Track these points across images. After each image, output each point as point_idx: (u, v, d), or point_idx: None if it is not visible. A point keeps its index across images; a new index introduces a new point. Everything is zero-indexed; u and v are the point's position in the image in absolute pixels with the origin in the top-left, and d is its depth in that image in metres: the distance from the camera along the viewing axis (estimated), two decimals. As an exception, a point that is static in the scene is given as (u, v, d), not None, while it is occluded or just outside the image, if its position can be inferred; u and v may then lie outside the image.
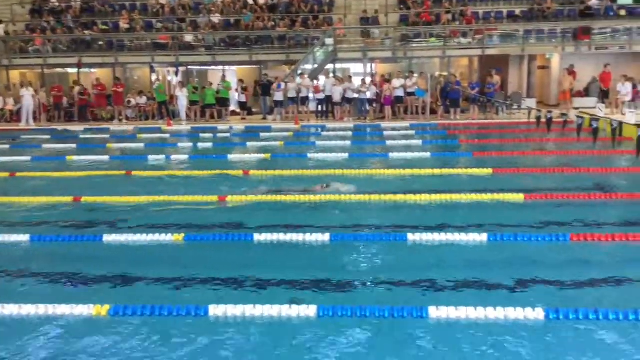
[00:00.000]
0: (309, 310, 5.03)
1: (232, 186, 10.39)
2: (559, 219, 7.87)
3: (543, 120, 15.53)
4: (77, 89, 22.44)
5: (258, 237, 7.23)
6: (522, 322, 4.84)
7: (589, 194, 9.15)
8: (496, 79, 22.07)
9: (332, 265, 6.40)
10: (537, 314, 4.87)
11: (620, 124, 14.85)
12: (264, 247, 7.06)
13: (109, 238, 7.36)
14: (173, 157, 14.16)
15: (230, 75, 24.70)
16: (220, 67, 25.25)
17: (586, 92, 23.56)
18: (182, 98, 21.59)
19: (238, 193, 9.56)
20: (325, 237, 7.15)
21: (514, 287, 5.68)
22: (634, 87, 19.83)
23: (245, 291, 5.73)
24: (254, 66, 24.90)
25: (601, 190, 9.54)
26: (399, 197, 9.17)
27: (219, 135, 18.67)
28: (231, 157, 14.10)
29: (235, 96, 23.14)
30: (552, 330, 4.74)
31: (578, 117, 14.69)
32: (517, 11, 24.76)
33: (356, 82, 21.82)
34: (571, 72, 21.79)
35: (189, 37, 24.36)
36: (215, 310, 5.10)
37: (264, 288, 5.79)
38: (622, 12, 24.04)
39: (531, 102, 22.78)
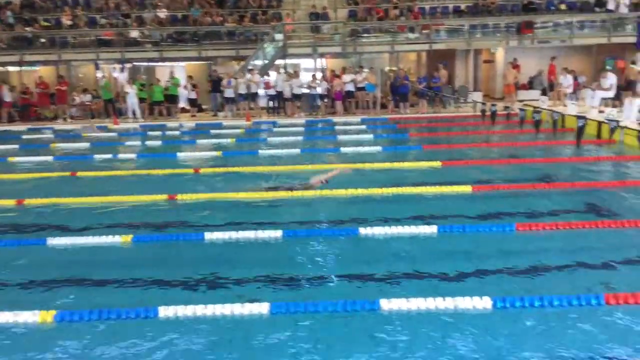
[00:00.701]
0: (262, 308, 5.00)
1: (182, 184, 10.23)
2: (505, 209, 8.09)
3: (488, 113, 15.93)
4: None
5: (209, 235, 7.14)
6: (471, 312, 4.94)
7: (533, 184, 9.43)
8: (442, 73, 22.52)
9: (284, 261, 6.38)
10: (485, 302, 4.98)
11: (563, 115, 15.39)
12: (216, 246, 6.98)
13: (53, 241, 7.12)
14: (120, 156, 13.84)
15: (179, 72, 24.33)
16: (169, 64, 24.81)
17: (530, 85, 24.29)
18: (133, 95, 21.09)
19: (189, 191, 9.41)
20: (277, 233, 7.13)
21: (463, 277, 5.79)
22: (575, 79, 20.56)
23: (196, 291, 5.66)
24: (203, 62, 24.57)
25: (545, 180, 9.83)
26: (351, 192, 9.22)
27: (168, 133, 18.38)
28: (181, 155, 13.89)
29: (184, 93, 22.77)
30: (500, 318, 4.86)
31: (521, 109, 15.13)
32: (463, 6, 25.25)
33: (307, 77, 21.85)
34: (515, 65, 22.43)
35: (134, 33, 23.81)
36: (166, 312, 5.01)
37: (215, 287, 5.73)
38: (563, 7, 24.84)
39: (477, 96, 23.34)
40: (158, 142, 16.17)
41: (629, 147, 11.33)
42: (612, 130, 11.46)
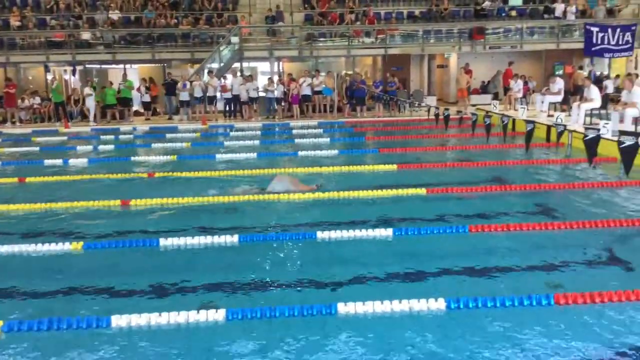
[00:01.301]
0: (218, 315, 4.94)
1: (136, 190, 10.04)
2: (459, 212, 8.26)
3: (441, 117, 16.23)
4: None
5: (164, 242, 7.03)
6: (425, 313, 5.00)
7: (486, 187, 9.64)
8: (396, 77, 22.85)
9: (241, 267, 6.32)
10: (439, 304, 5.06)
11: (514, 120, 15.79)
12: (171, 252, 6.87)
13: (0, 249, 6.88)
14: (71, 161, 13.46)
15: (132, 74, 23.89)
16: (122, 66, 24.33)
17: (485, 89, 24.88)
18: (92, 98, 20.57)
19: (142, 197, 9.24)
20: (233, 238, 7.06)
21: (418, 279, 5.86)
22: (525, 84, 21.16)
23: (150, 299, 5.54)
24: (157, 65, 24.22)
25: (496, 182, 10.06)
26: (308, 196, 9.24)
27: (122, 136, 18.01)
28: (135, 159, 13.63)
29: (138, 96, 22.37)
30: (454, 319, 4.94)
31: (472, 114, 15.48)
32: (417, 12, 25.69)
33: (264, 81, 21.80)
34: (467, 70, 22.91)
35: (86, 35, 23.27)
36: (119, 321, 4.89)
37: (170, 295, 5.63)
38: (513, 13, 25.58)
39: (432, 100, 23.78)
40: (111, 146, 15.81)
41: (577, 150, 11.70)
42: (560, 134, 11.83)
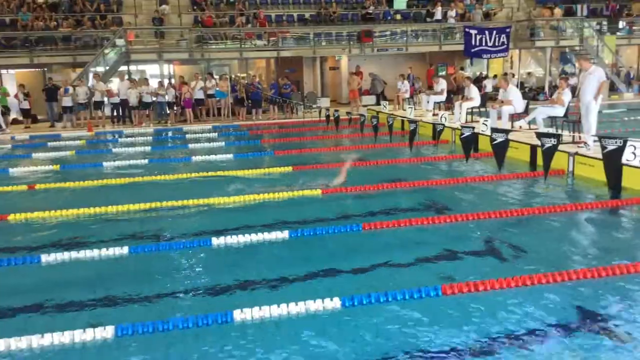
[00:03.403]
0: (106, 332, 4.70)
1: (15, 203, 9.37)
2: (353, 211, 8.46)
3: (332, 118, 16.55)
4: None
5: (46, 258, 6.59)
6: (322, 313, 5.06)
7: (377, 185, 9.92)
8: (291, 79, 23.03)
9: (131, 280, 6.07)
10: (334, 303, 5.13)
11: (402, 120, 16.41)
12: (53, 269, 6.45)
13: None
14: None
15: (9, 80, 22.27)
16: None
17: (371, 90, 25.66)
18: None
19: (22, 210, 8.62)
20: (123, 250, 6.77)
21: (314, 280, 5.92)
22: (412, 84, 22.06)
23: (31, 320, 5.16)
24: (37, 69, 22.74)
25: (386, 180, 10.38)
26: (202, 201, 9.06)
27: (-2, 147, 16.72)
28: (13, 170, 12.69)
29: (16, 103, 20.88)
30: (350, 317, 5.03)
31: (361, 115, 15.92)
32: (307, 15, 26.01)
33: (154, 84, 21.12)
34: (358, 72, 23.53)
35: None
36: (-4, 347, 4.52)
37: (54, 314, 5.28)
38: (398, 17, 26.59)
39: (326, 101, 24.19)
40: (-15, 158, 14.66)
41: (460, 147, 12.35)
42: (439, 133, 12.45)
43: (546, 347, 4.42)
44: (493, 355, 4.33)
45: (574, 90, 12.83)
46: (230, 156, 13.76)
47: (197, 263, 6.60)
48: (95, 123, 20.03)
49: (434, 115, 17.41)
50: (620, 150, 7.82)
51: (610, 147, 7.81)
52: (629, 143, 8.92)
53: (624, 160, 8.96)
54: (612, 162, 7.92)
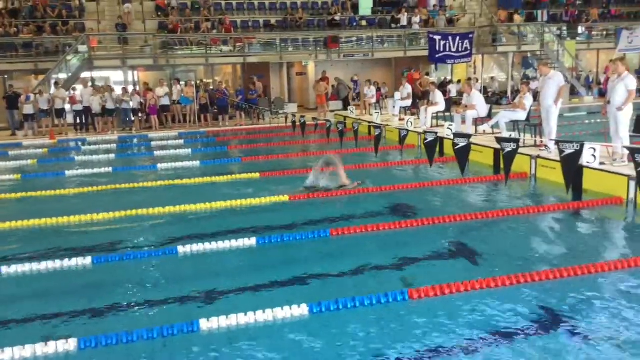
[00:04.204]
0: (69, 345, 4.60)
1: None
2: (320, 216, 8.45)
3: (298, 124, 16.55)
4: None
5: (6, 269, 6.43)
6: (289, 320, 5.04)
7: (345, 190, 9.95)
8: (258, 85, 22.96)
9: (94, 291, 5.96)
10: (302, 310, 5.13)
11: (369, 126, 16.50)
12: (14, 281, 6.30)
13: None
14: None
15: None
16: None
17: (337, 95, 25.75)
18: None
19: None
20: (86, 261, 6.64)
21: (282, 287, 5.90)
22: (378, 90, 22.22)
23: (-9, 335, 5.03)
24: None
25: (354, 186, 10.42)
26: (169, 209, 8.96)
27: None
28: (-29, 181, 12.34)
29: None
30: (317, 323, 5.02)
31: (327, 120, 15.97)
32: (273, 21, 25.99)
33: (118, 91, 20.81)
34: (324, 78, 23.60)
35: None
36: (-48, 364, 4.39)
37: (15, 327, 5.15)
38: (364, 23, 26.78)
39: (293, 107, 24.20)
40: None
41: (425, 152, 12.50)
42: (403, 138, 12.57)
43: (511, 347, 4.49)
44: (459, 357, 4.38)
45: (536, 94, 13.12)
46: (197, 163, 13.64)
47: (163, 272, 6.50)
48: (58, 131, 19.63)
49: (400, 120, 17.59)
50: (577, 154, 8.01)
51: (568, 151, 8.00)
52: (588, 146, 9.16)
53: (584, 163, 9.20)
54: (570, 166, 8.11)
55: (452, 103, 18.50)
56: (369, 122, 16.42)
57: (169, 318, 5.15)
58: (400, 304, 5.33)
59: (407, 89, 18.57)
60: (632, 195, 8.42)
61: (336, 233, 7.50)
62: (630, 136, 9.77)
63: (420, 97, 21.08)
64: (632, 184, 8.38)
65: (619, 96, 9.37)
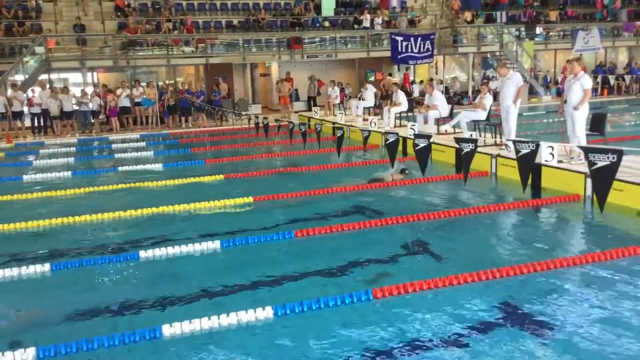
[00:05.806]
0: (27, 355, 4.47)
1: None
2: (285, 218, 8.45)
3: (261, 125, 16.49)
4: None
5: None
6: (254, 323, 5.01)
7: (309, 191, 9.95)
8: (223, 86, 22.78)
9: (53, 299, 5.81)
10: (266, 312, 5.10)
11: (332, 127, 16.53)
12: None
13: None
14: None
15: None
16: None
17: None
18: None
19: None
20: (45, 267, 6.47)
21: (247, 290, 5.85)
22: (342, 90, 22.31)
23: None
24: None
25: (319, 186, 10.44)
26: (130, 213, 8.81)
27: None
28: None
29: None
30: (282, 326, 5.00)
31: (289, 121, 15.94)
32: (235, 21, 25.81)
33: (77, 93, 20.37)
34: (288, 79, 23.57)
35: None
36: None
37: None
38: (327, 23, 26.84)
39: (257, 108, 24.08)
40: None
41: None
42: (365, 139, 12.66)
43: (476, 344, 4.56)
44: (424, 355, 4.42)
45: (496, 94, 13.36)
46: (159, 166, 13.45)
47: (124, 278, 6.40)
48: (15, 134, 19.10)
49: (364, 120, 17.69)
50: (533, 154, 8.19)
51: (524, 151, 8.17)
52: (546, 145, 9.38)
53: (542, 161, 9.42)
54: (526, 165, 8.29)
55: (415, 103, 18.69)
56: (333, 123, 16.46)
57: (130, 325, 5.06)
58: (365, 303, 5.36)
59: (370, 89, 18.69)
60: (589, 192, 8.66)
61: (300, 234, 7.49)
62: (587, 134, 10.04)
63: (383, 98, 21.23)
64: (589, 181, 8.62)
65: (575, 95, 9.61)
